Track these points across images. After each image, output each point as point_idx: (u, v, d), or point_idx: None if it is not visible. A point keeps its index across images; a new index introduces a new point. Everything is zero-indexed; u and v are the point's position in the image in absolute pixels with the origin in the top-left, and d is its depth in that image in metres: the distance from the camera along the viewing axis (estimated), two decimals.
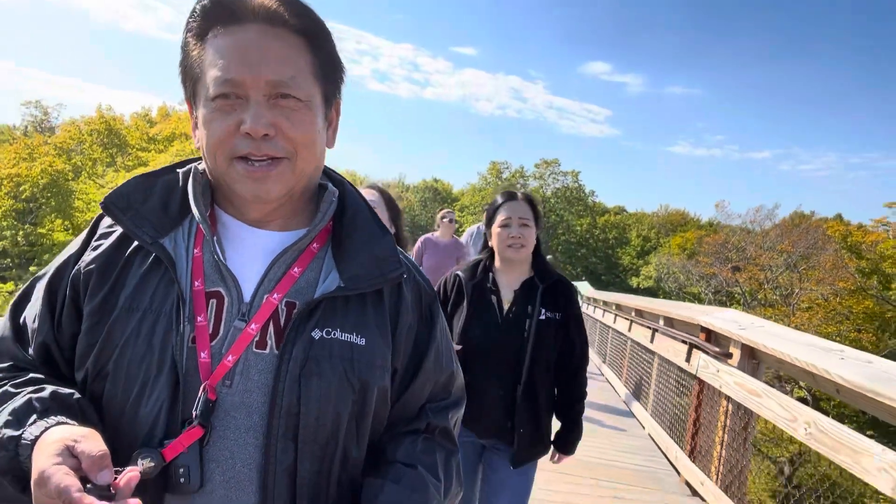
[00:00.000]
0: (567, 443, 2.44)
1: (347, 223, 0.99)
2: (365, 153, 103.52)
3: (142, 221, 0.94)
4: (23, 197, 21.78)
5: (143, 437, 0.85)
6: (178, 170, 1.01)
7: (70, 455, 0.74)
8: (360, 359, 0.93)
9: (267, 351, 0.90)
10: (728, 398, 3.71)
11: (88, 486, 0.72)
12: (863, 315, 22.52)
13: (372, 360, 0.94)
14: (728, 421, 3.71)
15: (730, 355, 3.84)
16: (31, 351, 0.95)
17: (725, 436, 3.73)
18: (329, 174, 1.06)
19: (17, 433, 0.80)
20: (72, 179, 23.03)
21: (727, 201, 69.32)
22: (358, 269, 0.95)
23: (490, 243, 2.43)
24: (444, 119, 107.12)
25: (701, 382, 4.23)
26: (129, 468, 0.77)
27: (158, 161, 20.79)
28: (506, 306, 2.35)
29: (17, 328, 0.97)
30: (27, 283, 1.01)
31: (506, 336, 2.29)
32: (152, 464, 0.81)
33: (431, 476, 0.97)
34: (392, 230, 2.23)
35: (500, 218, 2.37)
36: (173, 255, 0.92)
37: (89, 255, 0.94)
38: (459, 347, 2.26)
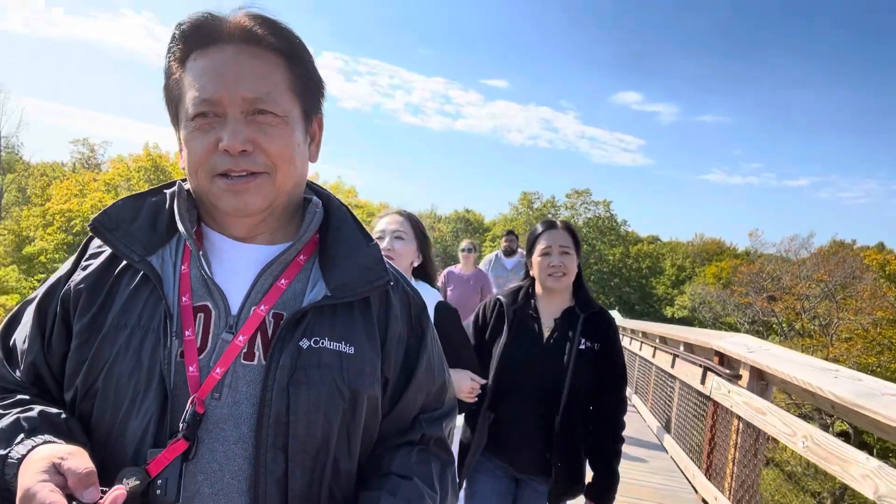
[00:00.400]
0: (603, 493, 2.30)
1: (333, 234, 1.01)
2: (398, 185, 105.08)
3: (130, 240, 0.96)
4: (74, 231, 22.96)
5: (132, 452, 0.86)
6: (165, 190, 1.03)
7: (56, 472, 0.75)
8: (349, 367, 0.93)
9: (255, 362, 0.91)
10: (738, 417, 3.97)
11: (74, 503, 0.73)
12: None
13: (361, 368, 0.95)
14: (739, 439, 3.97)
15: (739, 377, 4.12)
16: (18, 373, 0.96)
17: (737, 453, 3.98)
18: (315, 189, 1.08)
19: (3, 452, 0.81)
20: None
21: (761, 230, 68.22)
22: (344, 278, 0.96)
23: (531, 272, 2.44)
24: (475, 150, 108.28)
25: (715, 403, 4.49)
26: (115, 487, 0.77)
27: None
28: (546, 333, 2.34)
29: (7, 350, 0.98)
30: (17, 306, 1.03)
31: (545, 363, 2.27)
32: (137, 482, 0.81)
33: (427, 487, 0.98)
34: (419, 259, 2.30)
35: (540, 247, 2.37)
36: (161, 272, 0.94)
37: (79, 275, 0.96)
38: (484, 382, 2.23)
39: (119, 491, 0.75)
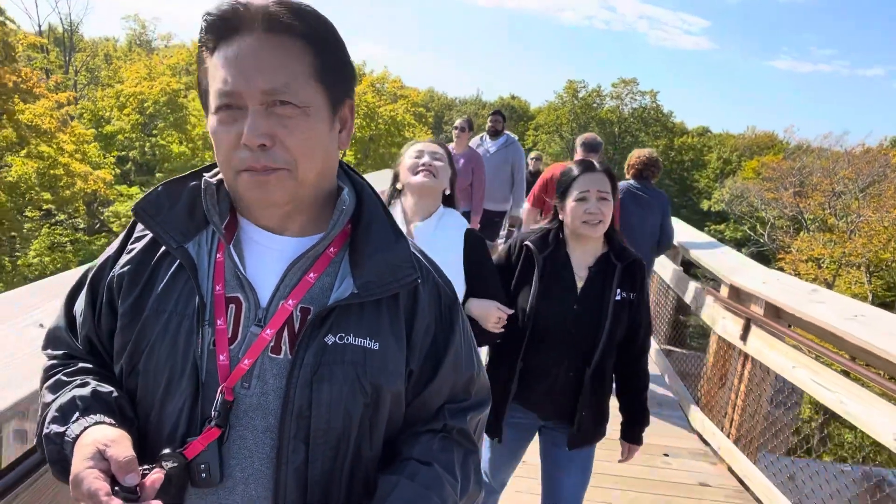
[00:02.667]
0: (636, 433, 2.40)
1: (363, 229, 1.01)
2: (443, 67, 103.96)
3: (169, 226, 0.99)
4: (147, 112, 25.58)
5: (168, 432, 0.94)
6: (204, 174, 1.04)
7: (101, 458, 0.83)
8: (372, 363, 0.96)
9: (281, 356, 0.95)
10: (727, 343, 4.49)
11: (116, 487, 0.81)
12: None
13: (384, 364, 0.97)
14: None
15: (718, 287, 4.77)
16: (79, 342, 1.05)
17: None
18: (350, 175, 1.08)
19: (62, 429, 0.91)
20: (184, 97, 26.58)
21: (794, 126, 66.61)
22: (372, 276, 0.97)
23: (560, 216, 2.31)
24: (525, 31, 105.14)
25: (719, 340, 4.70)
26: (154, 470, 0.86)
27: None
28: (580, 283, 2.25)
29: (71, 318, 1.07)
30: (81, 273, 1.10)
31: (581, 316, 2.21)
32: (175, 464, 0.88)
33: (448, 474, 1.00)
34: (448, 189, 2.28)
35: (575, 191, 2.24)
36: (196, 259, 0.98)
37: (124, 258, 1.02)
38: (511, 312, 2.20)
39: (157, 475, 0.85)
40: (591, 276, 2.26)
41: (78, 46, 35.92)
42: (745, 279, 4.53)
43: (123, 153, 26.44)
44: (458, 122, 6.09)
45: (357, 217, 1.03)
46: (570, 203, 2.26)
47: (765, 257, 31.63)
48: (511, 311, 2.19)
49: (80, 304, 1.06)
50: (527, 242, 2.32)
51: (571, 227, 2.27)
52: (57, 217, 20.12)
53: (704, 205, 45.71)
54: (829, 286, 25.17)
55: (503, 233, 7.83)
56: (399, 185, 2.30)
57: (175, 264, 0.99)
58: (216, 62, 0.92)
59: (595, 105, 49.81)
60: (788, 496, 3.63)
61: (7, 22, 17.78)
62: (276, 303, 0.97)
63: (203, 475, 0.90)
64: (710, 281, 6.12)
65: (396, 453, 1.02)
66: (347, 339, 0.96)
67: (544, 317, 2.23)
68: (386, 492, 0.94)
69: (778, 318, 4.06)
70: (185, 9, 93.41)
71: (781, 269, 26.79)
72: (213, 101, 0.92)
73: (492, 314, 2.14)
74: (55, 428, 0.92)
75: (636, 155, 5.22)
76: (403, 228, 2.06)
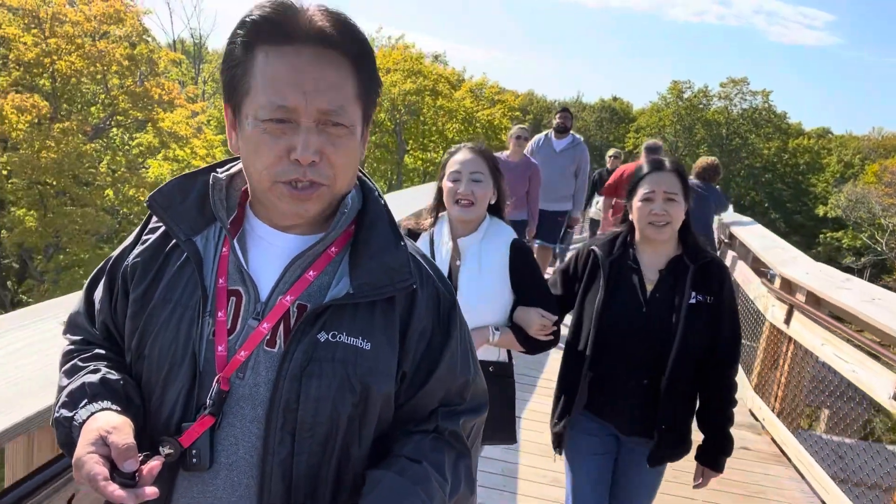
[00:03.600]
0: (716, 458, 2.24)
1: (365, 231, 1.04)
2: (544, 69, 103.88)
3: (179, 219, 1.03)
4: None
5: (166, 416, 0.99)
6: (217, 169, 1.08)
7: (103, 444, 0.87)
8: (363, 363, 0.98)
9: (276, 350, 0.98)
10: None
11: (115, 472, 0.85)
12: None
13: (375, 364, 0.99)
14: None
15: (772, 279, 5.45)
16: (96, 327, 1.11)
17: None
18: (361, 180, 1.10)
19: (70, 414, 0.96)
20: None
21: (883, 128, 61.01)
22: (368, 278, 1.00)
23: (630, 217, 2.25)
24: (631, 30, 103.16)
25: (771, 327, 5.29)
26: (153, 457, 0.90)
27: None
28: (649, 288, 2.18)
29: (90, 304, 1.13)
30: (102, 263, 1.14)
31: (649, 321, 2.13)
32: (171, 451, 0.94)
33: (437, 473, 1.01)
34: (494, 197, 2.24)
35: (641, 191, 2.18)
36: (202, 252, 1.02)
37: (138, 249, 1.06)
38: (556, 318, 2.15)
39: (155, 462, 0.89)
40: (662, 280, 2.17)
41: (205, 58, 39.48)
42: (792, 271, 5.09)
43: None
44: (515, 129, 5.89)
45: (361, 217, 1.06)
46: (636, 203, 2.21)
47: (884, 267, 29.93)
48: (555, 318, 2.14)
49: (99, 292, 1.11)
50: (593, 248, 2.29)
51: (639, 228, 2.21)
52: None
53: (820, 210, 43.45)
54: None
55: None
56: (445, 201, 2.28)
57: (183, 256, 1.03)
58: (267, 70, 0.92)
59: (701, 106, 48.47)
60: (826, 468, 4.15)
61: (150, 40, 20.29)
62: (274, 298, 1.00)
63: (194, 460, 0.95)
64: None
65: (387, 452, 1.03)
66: (340, 338, 0.98)
67: (610, 322, 2.17)
68: (373, 485, 0.96)
69: (818, 305, 4.62)
70: None
71: None
72: (263, 112, 0.92)
73: (534, 321, 2.13)
74: (65, 412, 0.97)
75: (701, 161, 6.35)
76: (450, 242, 2.22)
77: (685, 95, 49.01)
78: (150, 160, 19.22)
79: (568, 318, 2.38)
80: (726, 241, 8.52)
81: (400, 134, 26.00)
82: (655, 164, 2.23)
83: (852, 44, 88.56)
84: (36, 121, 14.59)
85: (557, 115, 6.59)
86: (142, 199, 18.58)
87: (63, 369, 1.07)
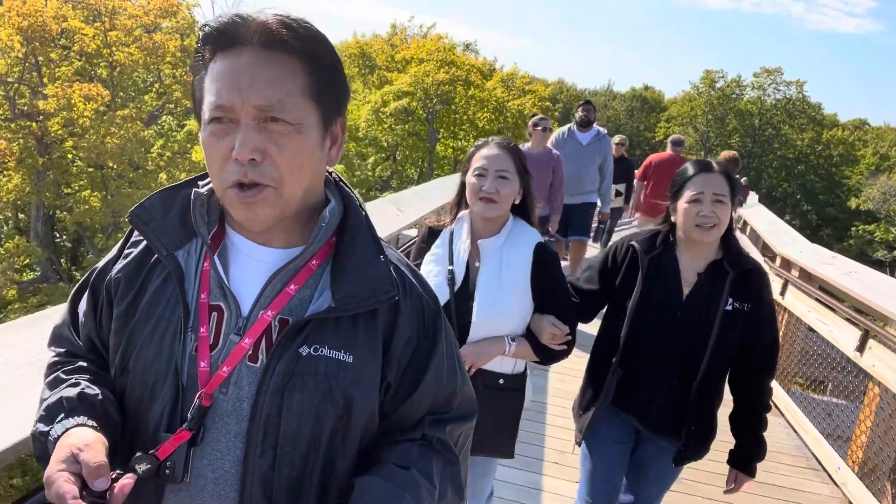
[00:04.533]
0: (749, 462, 2.22)
1: (346, 243, 1.04)
2: (572, 57, 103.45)
3: (161, 234, 1.04)
4: None
5: (151, 432, 0.99)
6: (199, 182, 1.08)
7: (74, 461, 0.87)
8: (345, 376, 0.99)
9: (258, 365, 0.99)
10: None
11: (85, 491, 0.85)
12: None
13: (358, 377, 1.00)
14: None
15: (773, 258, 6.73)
16: (80, 340, 1.11)
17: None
18: (340, 187, 1.10)
19: (46, 429, 0.96)
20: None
21: None
22: (350, 290, 1.00)
23: (673, 218, 2.21)
24: (664, 16, 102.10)
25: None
26: (125, 475, 0.90)
27: (400, 80, 26.27)
28: (686, 290, 2.15)
29: (74, 317, 1.13)
30: (86, 274, 1.14)
31: (684, 324, 2.12)
32: (148, 466, 0.93)
33: (425, 480, 1.02)
34: (520, 196, 2.17)
35: (689, 192, 2.13)
36: (184, 267, 1.03)
37: (121, 263, 1.07)
38: (567, 330, 2.10)
39: (127, 480, 0.88)
40: (700, 283, 2.15)
41: None
42: (790, 250, 5.93)
43: None
44: (535, 118, 5.71)
45: (342, 229, 1.05)
46: (682, 204, 2.16)
47: None
48: (567, 329, 2.10)
49: (83, 304, 1.11)
50: (633, 242, 2.26)
51: (683, 229, 2.17)
52: None
53: (853, 203, 43.30)
54: None
55: (594, 225, 8.02)
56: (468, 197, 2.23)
57: (165, 271, 1.03)
58: (211, 74, 0.94)
59: (734, 96, 48.43)
60: (816, 424, 4.83)
61: (198, 32, 21.44)
62: (256, 313, 1.00)
63: (168, 472, 0.95)
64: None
65: (374, 459, 1.03)
66: (322, 351, 0.99)
67: (645, 322, 2.16)
68: (361, 491, 0.96)
69: (809, 280, 5.46)
70: (324, 4, 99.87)
71: None
72: (206, 113, 0.94)
73: (545, 330, 2.08)
74: (41, 427, 0.97)
75: (723, 154, 7.38)
76: (468, 241, 2.15)
77: (717, 85, 48.98)
78: (196, 146, 20.44)
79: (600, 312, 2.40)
80: (738, 225, 9.37)
81: (432, 122, 26.87)
82: (703, 165, 2.20)
83: (894, 30, 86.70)
84: (101, 108, 15.82)
85: (580, 109, 6.47)
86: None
87: (46, 381, 1.07)
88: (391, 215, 5.36)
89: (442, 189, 7.18)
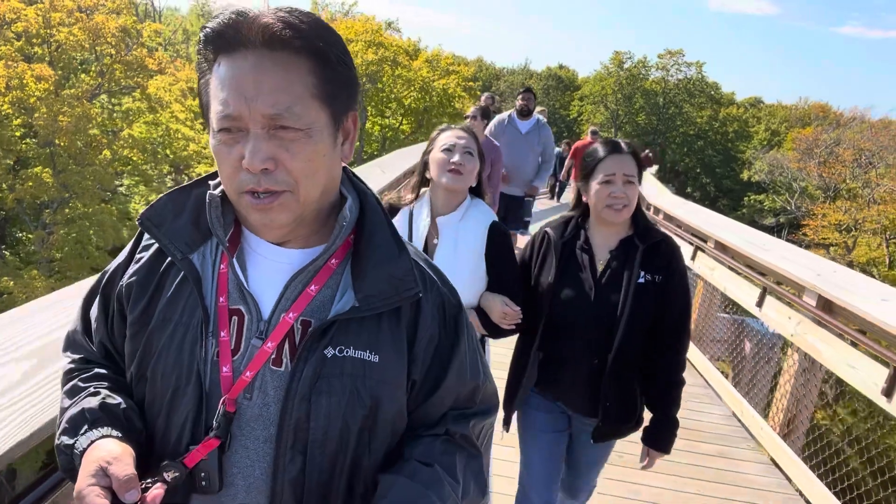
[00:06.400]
0: (660, 438, 2.28)
1: (365, 240, 1.03)
2: (492, 35, 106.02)
3: (174, 237, 1.02)
4: None
5: (174, 440, 0.99)
6: (210, 182, 1.06)
7: (104, 475, 0.88)
8: (371, 376, 0.99)
9: (282, 368, 0.98)
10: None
11: None
12: None
13: (384, 377, 1.01)
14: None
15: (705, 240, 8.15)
16: (94, 346, 1.11)
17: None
18: (355, 184, 1.09)
19: (71, 442, 0.96)
20: None
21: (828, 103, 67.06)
22: (373, 289, 1.00)
23: (584, 199, 2.28)
24: None
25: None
26: (155, 485, 0.91)
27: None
28: (599, 268, 2.24)
29: (87, 322, 1.13)
30: (96, 278, 1.14)
31: (598, 301, 2.19)
32: (177, 474, 0.93)
33: (449, 476, 1.02)
34: (475, 180, 2.31)
35: (601, 174, 2.20)
36: (200, 270, 1.02)
37: (132, 268, 1.06)
38: (518, 309, 2.21)
39: (157, 490, 0.90)
40: (612, 260, 2.23)
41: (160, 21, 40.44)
42: (659, 200, 8.32)
43: None
44: (472, 108, 5.54)
45: (360, 228, 1.05)
46: (594, 185, 2.22)
47: (794, 225, 34.39)
48: (518, 308, 2.21)
49: (94, 310, 1.11)
50: (547, 229, 2.34)
51: (595, 210, 2.24)
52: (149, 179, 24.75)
53: (745, 175, 47.91)
54: (849, 250, 28.06)
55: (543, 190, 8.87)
56: (429, 175, 2.33)
57: (181, 275, 1.02)
58: (216, 79, 0.92)
59: (641, 76, 52.22)
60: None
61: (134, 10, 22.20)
62: (277, 315, 1.00)
63: (203, 483, 0.95)
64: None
65: (398, 456, 1.04)
66: (347, 352, 0.99)
67: (561, 303, 2.23)
68: (385, 490, 0.97)
69: (724, 250, 5.78)
70: None
71: (805, 235, 29.61)
72: (214, 122, 0.93)
73: (496, 308, 2.20)
74: (65, 440, 0.98)
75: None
76: (428, 219, 2.28)
77: (626, 65, 52.66)
78: (136, 124, 21.44)
79: None
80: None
81: (361, 101, 28.53)
82: (613, 146, 2.24)
83: (789, 13, 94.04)
84: (51, 88, 16.69)
85: (519, 97, 6.44)
86: (134, 158, 20.87)
87: (64, 389, 1.07)
88: (376, 175, 6.82)
89: (407, 155, 9.06)
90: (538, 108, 6.69)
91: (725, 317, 6.78)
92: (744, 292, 5.04)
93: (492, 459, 3.72)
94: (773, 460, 4.23)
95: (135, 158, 20.38)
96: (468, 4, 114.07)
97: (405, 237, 2.36)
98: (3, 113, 16.64)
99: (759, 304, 4.69)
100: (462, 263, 2.24)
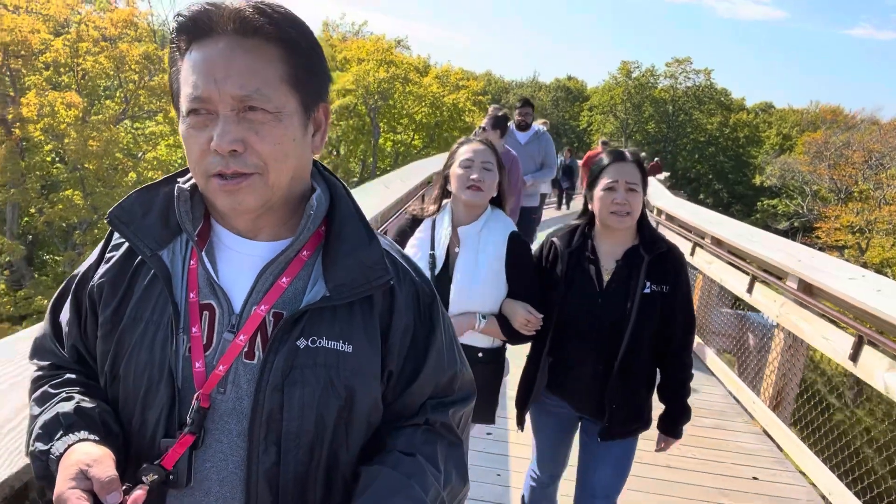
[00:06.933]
0: (673, 426, 2.44)
1: (336, 230, 1.03)
2: (500, 49, 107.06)
3: (143, 234, 1.02)
4: None
5: (149, 437, 0.99)
6: (178, 179, 1.06)
7: (84, 477, 0.87)
8: (345, 366, 0.99)
9: (255, 361, 0.98)
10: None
11: None
12: None
13: (358, 366, 1.00)
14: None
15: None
16: (65, 351, 1.09)
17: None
18: (325, 176, 1.10)
19: (46, 447, 0.94)
20: None
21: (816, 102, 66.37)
22: (344, 278, 1.00)
23: (590, 207, 2.35)
24: (583, 9, 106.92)
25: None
26: (136, 487, 0.90)
27: (342, 79, 28.45)
28: (606, 277, 2.30)
29: (56, 327, 1.11)
30: (65, 282, 1.12)
31: (605, 310, 2.26)
32: (156, 476, 0.93)
33: (431, 465, 1.03)
34: (496, 191, 2.40)
35: (604, 181, 2.27)
36: (170, 266, 1.02)
37: (103, 268, 1.06)
38: (541, 316, 2.29)
39: (139, 492, 0.89)
40: (618, 270, 2.28)
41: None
42: (698, 219, 8.58)
43: None
44: (484, 120, 5.51)
45: (330, 216, 1.05)
46: (598, 192, 2.28)
47: (807, 228, 34.56)
48: (541, 316, 2.28)
49: (65, 314, 1.10)
50: (553, 239, 2.41)
51: (599, 217, 2.29)
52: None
53: (757, 179, 48.06)
54: (863, 252, 28.24)
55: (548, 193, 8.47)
56: (450, 188, 2.41)
57: (151, 273, 1.02)
58: (187, 65, 0.93)
59: (649, 84, 52.69)
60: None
61: (155, 39, 23.14)
62: (248, 308, 1.00)
63: (171, 477, 0.95)
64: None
65: (379, 447, 1.04)
66: (320, 343, 0.98)
67: (569, 311, 2.30)
68: (368, 481, 0.97)
69: (720, 244, 6.19)
70: None
71: (818, 238, 29.84)
72: (183, 106, 0.93)
73: (519, 315, 2.26)
74: (40, 446, 0.96)
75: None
76: (449, 229, 2.38)
77: (634, 75, 53.19)
78: (159, 147, 22.29)
79: None
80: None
81: (374, 118, 29.23)
82: (617, 155, 2.30)
83: (797, 17, 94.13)
84: (80, 114, 17.54)
85: (517, 112, 6.45)
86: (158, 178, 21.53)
87: (33, 397, 1.06)
88: (380, 193, 6.82)
89: (420, 168, 9.48)
90: (540, 121, 6.78)
91: (729, 312, 7.15)
92: (737, 281, 5.52)
93: (485, 452, 3.90)
94: (764, 430, 4.69)
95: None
96: (476, 20, 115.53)
97: (428, 245, 2.35)
98: (35, 139, 17.48)
99: (749, 290, 5.16)
100: (483, 271, 2.31)
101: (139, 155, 21.49)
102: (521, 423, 2.59)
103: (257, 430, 0.97)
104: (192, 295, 1.01)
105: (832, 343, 3.91)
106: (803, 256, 4.72)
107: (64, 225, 19.57)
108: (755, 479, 4.07)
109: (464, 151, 2.39)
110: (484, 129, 5.39)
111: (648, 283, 2.25)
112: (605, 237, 2.35)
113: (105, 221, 1.05)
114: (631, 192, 2.25)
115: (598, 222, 2.35)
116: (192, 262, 1.03)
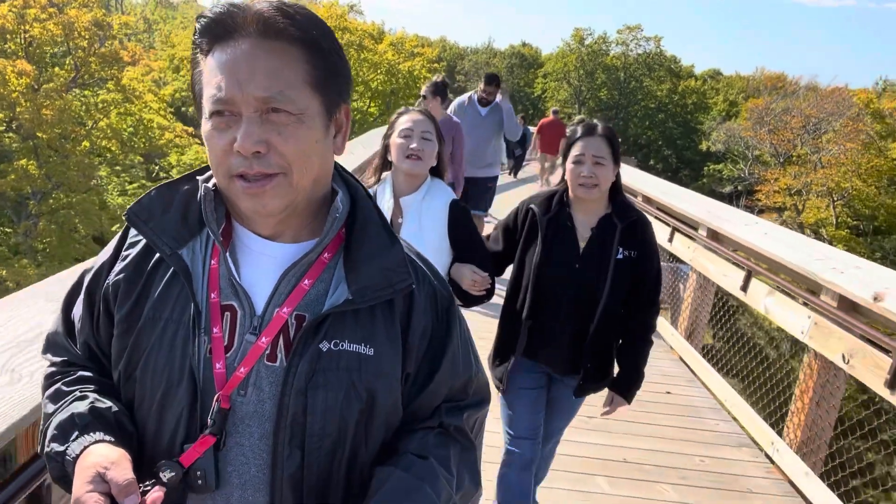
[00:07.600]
0: (626, 388, 2.55)
1: (357, 233, 1.04)
2: (455, 14, 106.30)
3: (162, 232, 1.01)
4: None
5: (168, 439, 0.98)
6: (198, 177, 1.06)
7: (102, 480, 0.87)
8: (367, 369, 1.00)
9: (277, 364, 0.98)
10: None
11: None
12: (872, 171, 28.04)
13: (380, 369, 1.01)
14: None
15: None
16: (77, 347, 1.09)
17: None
18: (345, 178, 1.10)
19: (62, 448, 0.95)
20: None
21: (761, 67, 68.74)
22: (366, 281, 1.00)
23: (564, 176, 2.49)
24: None
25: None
26: (154, 489, 0.90)
27: None
28: (582, 244, 2.43)
29: (69, 323, 1.10)
30: (77, 276, 1.12)
31: (582, 275, 2.40)
32: (173, 474, 0.93)
33: (443, 469, 1.03)
34: (435, 160, 2.45)
35: (573, 153, 2.40)
36: (190, 265, 1.01)
37: (119, 266, 1.05)
38: (486, 275, 2.35)
39: (157, 493, 0.89)
40: (593, 237, 2.43)
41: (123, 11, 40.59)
42: (631, 179, 9.48)
43: (184, 109, 31.55)
44: (424, 88, 5.47)
45: (351, 221, 1.05)
46: (568, 165, 2.42)
47: (750, 192, 36.17)
48: (486, 274, 2.36)
49: (77, 310, 1.09)
50: (531, 205, 2.51)
51: (570, 188, 2.44)
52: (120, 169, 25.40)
53: (703, 145, 49.52)
54: (799, 213, 29.90)
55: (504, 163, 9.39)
56: (390, 158, 2.48)
57: (170, 271, 1.01)
58: (210, 66, 0.94)
59: (601, 52, 53.48)
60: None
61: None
62: (271, 310, 1.00)
63: (199, 482, 0.95)
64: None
65: (393, 449, 1.05)
66: (342, 346, 0.99)
67: (547, 277, 2.43)
68: (380, 483, 0.97)
69: (649, 202, 7.08)
70: None
71: (759, 201, 31.36)
72: (206, 107, 0.94)
73: (466, 276, 2.36)
74: (55, 447, 0.96)
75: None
76: (391, 200, 2.45)
77: (586, 42, 53.88)
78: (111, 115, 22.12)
79: (508, 271, 2.65)
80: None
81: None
82: (587, 129, 2.43)
83: None
84: (31, 83, 17.35)
85: (482, 90, 6.40)
86: (112, 148, 21.53)
87: (46, 394, 1.06)
88: (343, 160, 7.80)
89: (381, 135, 9.99)
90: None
91: (665, 265, 8.27)
92: (662, 231, 6.32)
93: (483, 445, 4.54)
94: (680, 357, 5.54)
95: (113, 148, 21.08)
96: None
97: None
98: None
99: (671, 239, 5.98)
100: (427, 240, 2.36)
101: (90, 125, 21.28)
102: (501, 381, 2.63)
103: (282, 434, 0.97)
104: (213, 295, 1.01)
105: (730, 279, 4.73)
106: (713, 208, 5.55)
107: (18, 195, 19.41)
108: (668, 393, 4.90)
109: (403, 121, 2.46)
110: (425, 97, 5.40)
111: (621, 250, 2.42)
112: (579, 207, 2.49)
113: (123, 218, 1.05)
114: (598, 166, 2.38)
115: (570, 192, 2.49)
116: (212, 262, 1.03)
